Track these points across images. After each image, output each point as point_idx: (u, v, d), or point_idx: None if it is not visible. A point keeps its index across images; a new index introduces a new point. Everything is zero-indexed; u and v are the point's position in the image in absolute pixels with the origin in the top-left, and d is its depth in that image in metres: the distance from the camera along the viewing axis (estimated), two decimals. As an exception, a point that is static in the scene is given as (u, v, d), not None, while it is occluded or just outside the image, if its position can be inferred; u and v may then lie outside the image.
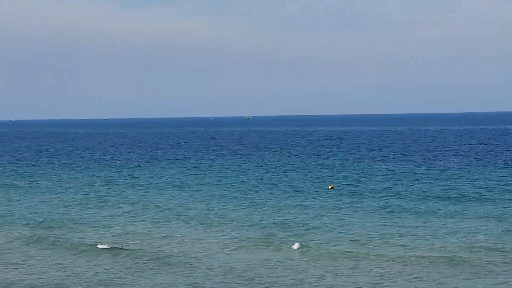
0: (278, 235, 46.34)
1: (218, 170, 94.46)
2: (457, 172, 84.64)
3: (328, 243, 43.66)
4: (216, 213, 56.21)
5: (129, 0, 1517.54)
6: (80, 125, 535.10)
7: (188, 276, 36.22)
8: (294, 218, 53.10)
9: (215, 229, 49.25)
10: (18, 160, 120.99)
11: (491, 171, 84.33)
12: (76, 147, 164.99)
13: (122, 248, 42.40)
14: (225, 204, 61.27)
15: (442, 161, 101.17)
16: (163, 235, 47.14)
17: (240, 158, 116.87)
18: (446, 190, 67.77)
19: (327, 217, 53.55)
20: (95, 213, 57.55)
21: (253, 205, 60.61)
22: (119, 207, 60.43)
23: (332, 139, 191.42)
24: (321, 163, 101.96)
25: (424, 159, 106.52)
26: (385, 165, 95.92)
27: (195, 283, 35.06)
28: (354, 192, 67.49)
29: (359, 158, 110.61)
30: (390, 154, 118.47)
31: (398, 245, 42.55)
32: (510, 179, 75.81)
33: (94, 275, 36.85)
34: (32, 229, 50.04)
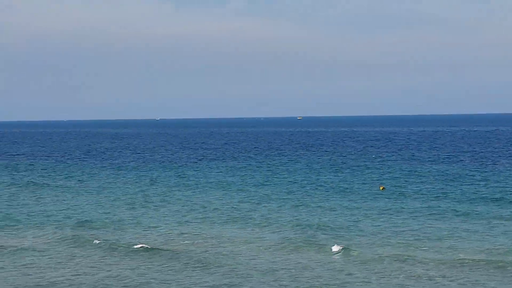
0: (321, 237, 45.72)
1: (266, 170, 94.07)
2: (509, 174, 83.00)
3: (373, 245, 42.92)
4: (260, 214, 55.79)
5: (182, 2, 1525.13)
6: (132, 125, 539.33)
7: (230, 277, 35.87)
8: (339, 220, 52.45)
9: (258, 230, 48.85)
10: (67, 160, 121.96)
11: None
12: (125, 147, 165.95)
13: (165, 249, 42.14)
14: (271, 205, 60.80)
15: (493, 163, 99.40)
16: (206, 235, 46.86)
17: (289, 158, 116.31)
18: (496, 192, 66.41)
19: (372, 218, 52.76)
20: (140, 213, 57.41)
21: (299, 206, 60.04)
22: (164, 208, 60.29)
23: (379, 140, 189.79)
24: (368, 164, 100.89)
25: (475, 160, 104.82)
26: (435, 167, 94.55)
27: (236, 284, 34.73)
28: (401, 194, 66.49)
29: (407, 159, 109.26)
30: (441, 155, 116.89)
31: (446, 248, 41.70)
32: None
33: (137, 276, 36.62)
34: (76, 229, 50.08)
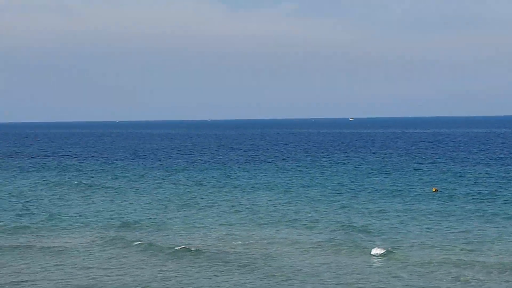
0: (366, 239, 45.19)
1: (315, 171, 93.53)
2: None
3: (419, 248, 42.23)
4: (306, 215, 55.35)
5: (235, 3, 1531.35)
6: (183, 126, 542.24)
7: (273, 279, 35.61)
8: (386, 222, 51.79)
9: (304, 232, 48.46)
10: (117, 160, 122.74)
11: None
12: (174, 148, 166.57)
13: (209, 251, 41.97)
14: (317, 206, 60.33)
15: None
16: (251, 237, 46.58)
17: (338, 160, 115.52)
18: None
19: (420, 221, 51.97)
20: (185, 214, 57.25)
21: (345, 207, 59.46)
22: (210, 209, 60.10)
23: (431, 141, 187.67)
24: (419, 166, 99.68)
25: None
26: (486, 168, 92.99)
27: (279, 286, 34.44)
28: (451, 196, 65.41)
29: (459, 161, 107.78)
30: (492, 157, 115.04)
31: (495, 251, 40.87)
32: None
33: (180, 277, 36.48)
34: (121, 230, 50.18)
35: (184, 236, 47.73)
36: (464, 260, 38.53)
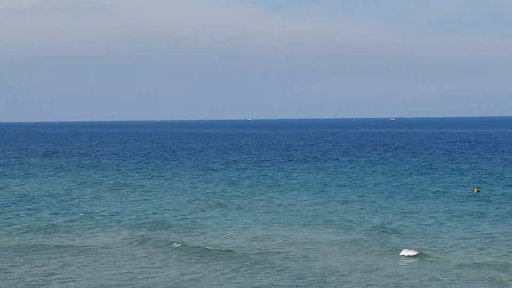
0: (399, 240, 44.61)
1: (352, 171, 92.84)
2: None
3: (454, 250, 41.59)
4: (340, 216, 54.90)
5: (274, 3, 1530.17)
6: (222, 126, 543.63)
7: (304, 279, 35.27)
8: (420, 223, 51.15)
9: (336, 232, 48.02)
10: (153, 159, 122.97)
11: None
12: (211, 147, 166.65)
13: (241, 251, 41.57)
14: (352, 207, 59.83)
15: None
16: (284, 237, 46.19)
17: (377, 159, 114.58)
18: None
19: (456, 222, 51.27)
20: (219, 214, 56.94)
21: (381, 208, 58.86)
22: (244, 209, 59.75)
23: (472, 141, 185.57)
24: (459, 167, 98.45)
25: None
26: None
27: (310, 286, 34.02)
28: (489, 198, 64.42)
29: (499, 162, 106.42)
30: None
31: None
32: None
33: (210, 277, 36.26)
34: (154, 229, 50.04)
35: (217, 236, 47.48)
36: (499, 262, 37.80)
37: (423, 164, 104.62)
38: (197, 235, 47.71)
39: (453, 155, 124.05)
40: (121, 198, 67.75)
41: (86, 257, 41.03)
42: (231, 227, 50.80)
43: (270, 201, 64.03)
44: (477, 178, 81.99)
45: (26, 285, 35.06)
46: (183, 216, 55.99)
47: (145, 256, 41.21)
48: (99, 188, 76.52)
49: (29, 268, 38.38)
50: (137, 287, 34.64)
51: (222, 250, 41.77)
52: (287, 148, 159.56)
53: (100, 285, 34.94)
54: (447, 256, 39.60)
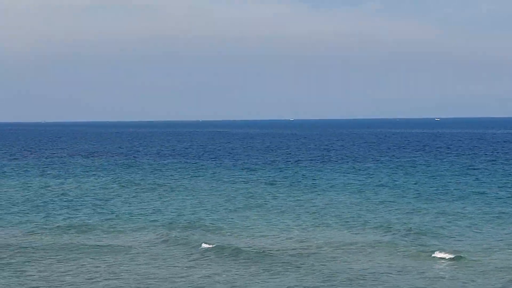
0: (433, 243, 43.93)
1: (391, 172, 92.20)
2: None
3: (491, 253, 40.77)
4: (375, 217, 54.33)
5: (317, 2, 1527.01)
6: (264, 126, 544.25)
7: (332, 282, 34.96)
8: (458, 226, 50.35)
9: (369, 233, 47.58)
10: (191, 159, 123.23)
11: None
12: (251, 147, 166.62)
13: (272, 253, 41.30)
14: (389, 207, 59.31)
15: None
16: (317, 239, 45.66)
17: (418, 160, 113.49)
18: None
19: (496, 224, 50.29)
20: (254, 215, 56.59)
21: (417, 209, 58.19)
22: (280, 210, 59.36)
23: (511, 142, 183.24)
24: (499, 167, 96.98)
25: None
26: None
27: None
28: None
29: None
30: None
31: None
32: None
33: (242, 279, 36.06)
34: (187, 230, 49.85)
35: (253, 237, 47.23)
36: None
37: (465, 165, 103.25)
38: (233, 236, 47.50)
39: (497, 156, 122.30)
40: (158, 198, 67.82)
41: (120, 256, 41.07)
42: (268, 227, 50.48)
43: (308, 202, 63.62)
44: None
45: (65, 284, 35.17)
46: (219, 217, 55.80)
47: (178, 256, 41.12)
48: (137, 188, 76.72)
49: (65, 268, 38.56)
50: (169, 287, 34.41)
51: (257, 251, 41.52)
52: (327, 149, 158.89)
53: (133, 285, 34.88)
54: (485, 259, 38.87)
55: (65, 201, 66.32)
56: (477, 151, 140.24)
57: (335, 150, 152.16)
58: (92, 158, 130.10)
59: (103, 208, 61.44)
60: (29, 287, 34.93)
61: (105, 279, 36.03)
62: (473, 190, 70.76)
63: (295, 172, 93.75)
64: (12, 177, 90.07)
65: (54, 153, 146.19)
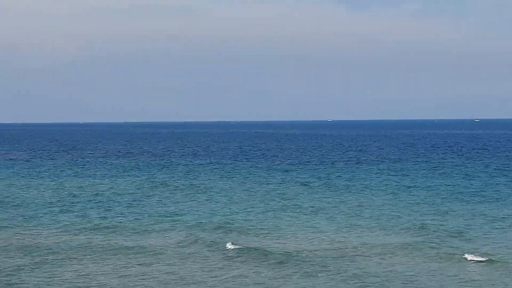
0: (464, 244, 43.46)
1: (426, 173, 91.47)
2: None
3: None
4: (407, 219, 53.74)
5: (356, 3, 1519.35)
6: (302, 126, 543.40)
7: (364, 283, 34.64)
8: (491, 227, 49.75)
9: (401, 235, 47.07)
10: (225, 161, 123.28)
11: None
12: (288, 148, 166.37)
13: (299, 256, 40.81)
14: (423, 209, 58.69)
15: None
16: (347, 242, 45.13)
17: (455, 161, 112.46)
18: None
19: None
20: (285, 217, 56.23)
21: (450, 211, 57.58)
22: (312, 211, 58.96)
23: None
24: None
25: None
26: None
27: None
28: None
29: None
30: None
31: None
32: None
33: (269, 281, 35.78)
34: (217, 231, 49.69)
35: (283, 238, 46.95)
36: None
37: (501, 166, 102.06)
38: (264, 237, 47.31)
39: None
40: (191, 199, 67.94)
41: (151, 257, 41.10)
42: (300, 229, 50.19)
43: (341, 203, 63.31)
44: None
45: (99, 285, 35.34)
46: (251, 217, 55.68)
47: (210, 257, 41.03)
48: (171, 188, 76.99)
49: (98, 268, 38.72)
50: (201, 288, 34.36)
51: (288, 252, 41.24)
52: (362, 149, 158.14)
53: (161, 286, 34.87)
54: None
55: (99, 201, 66.69)
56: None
57: (370, 150, 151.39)
58: (127, 158, 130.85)
59: (136, 208, 61.67)
60: (63, 287, 35.10)
61: (139, 279, 36.06)
62: (509, 192, 69.87)
63: (330, 173, 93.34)
64: (48, 177, 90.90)
65: (90, 153, 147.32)
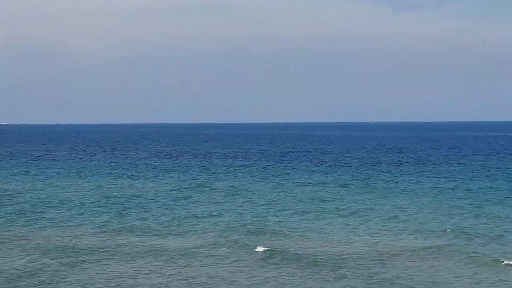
0: (498, 249, 43.07)
1: (465, 176, 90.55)
2: None
3: None
4: (442, 223, 53.27)
5: (400, 3, 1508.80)
6: (342, 128, 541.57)
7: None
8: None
9: (435, 239, 46.57)
10: (263, 161, 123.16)
11: None
12: (327, 151, 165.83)
13: (327, 259, 40.51)
14: (458, 213, 58.12)
15: None
16: (378, 246, 44.73)
17: (496, 164, 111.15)
18: None
19: None
20: (316, 219, 55.83)
21: (486, 214, 56.94)
22: (345, 213, 58.44)
23: None
24: None
25: None
26: None
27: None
28: None
29: None
30: None
31: None
32: None
33: (295, 286, 35.34)
34: (245, 233, 49.38)
35: (318, 240, 46.75)
36: None
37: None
38: (299, 239, 47.14)
39: None
40: (229, 200, 67.98)
41: (186, 258, 41.23)
42: (336, 231, 49.98)
43: (379, 205, 62.94)
44: None
45: (133, 284, 35.58)
46: (286, 219, 55.56)
47: (244, 258, 41.05)
48: (210, 189, 77.16)
49: (134, 268, 38.89)
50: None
51: (323, 255, 41.13)
52: (399, 151, 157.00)
53: (196, 287, 34.99)
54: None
55: (139, 202, 66.96)
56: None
57: (410, 153, 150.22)
58: (167, 159, 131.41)
59: (174, 209, 61.83)
60: (99, 287, 35.34)
61: (173, 280, 36.17)
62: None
63: (368, 175, 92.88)
64: (87, 178, 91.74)
65: (132, 155, 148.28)
